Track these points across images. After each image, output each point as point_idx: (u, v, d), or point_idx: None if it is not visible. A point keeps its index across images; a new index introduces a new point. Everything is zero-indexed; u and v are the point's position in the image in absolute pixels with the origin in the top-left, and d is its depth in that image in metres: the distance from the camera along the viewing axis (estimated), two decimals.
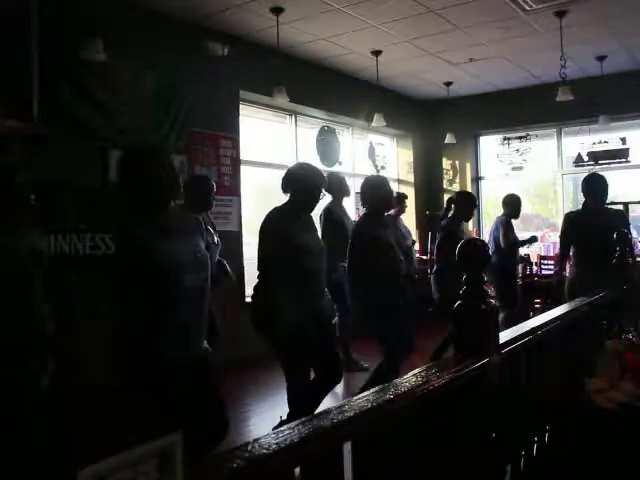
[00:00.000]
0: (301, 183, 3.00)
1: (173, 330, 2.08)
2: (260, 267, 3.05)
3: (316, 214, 4.01)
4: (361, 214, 3.92)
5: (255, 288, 3.07)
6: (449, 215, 4.72)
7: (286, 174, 3.09)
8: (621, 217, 4.25)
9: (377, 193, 3.73)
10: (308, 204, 3.07)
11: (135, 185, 2.15)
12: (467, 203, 4.68)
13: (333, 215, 5.00)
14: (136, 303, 2.06)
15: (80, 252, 4.23)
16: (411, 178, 8.68)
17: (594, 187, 4.10)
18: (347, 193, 5.29)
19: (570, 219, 4.27)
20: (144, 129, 4.78)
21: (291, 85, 5.55)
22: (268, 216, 3.05)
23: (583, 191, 4.18)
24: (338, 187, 5.11)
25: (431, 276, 4.70)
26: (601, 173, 4.46)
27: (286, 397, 3.07)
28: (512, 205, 5.49)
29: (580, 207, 4.38)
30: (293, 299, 2.86)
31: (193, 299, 2.13)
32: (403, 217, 6.20)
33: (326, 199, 5.05)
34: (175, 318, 2.07)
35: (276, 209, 3.07)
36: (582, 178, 4.29)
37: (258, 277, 3.08)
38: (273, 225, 2.98)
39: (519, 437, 1.98)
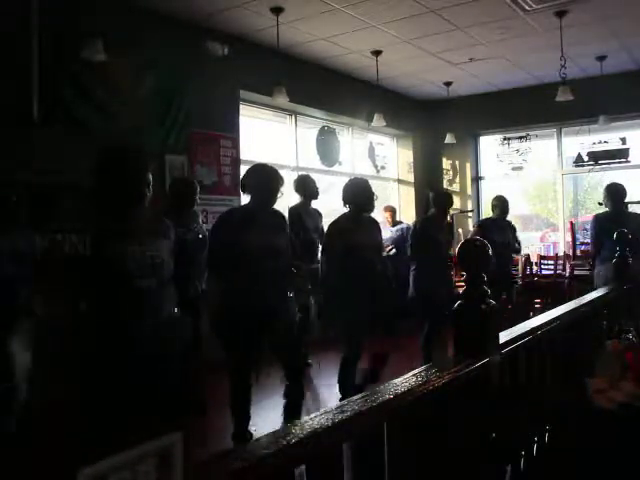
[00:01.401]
0: (261, 183, 3.06)
1: (131, 329, 2.18)
2: (209, 258, 3.21)
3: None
4: (340, 214, 3.94)
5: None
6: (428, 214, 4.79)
7: (245, 174, 3.17)
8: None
9: (358, 194, 3.80)
10: (266, 203, 3.12)
11: (101, 186, 2.23)
12: (441, 201, 4.75)
13: (293, 218, 4.98)
14: (96, 302, 2.16)
15: (80, 252, 4.22)
16: (411, 178, 8.67)
17: (614, 194, 4.73)
18: (315, 195, 5.29)
19: (599, 221, 4.82)
20: (144, 129, 4.78)
21: (291, 85, 5.55)
22: (226, 212, 3.25)
23: (608, 197, 4.78)
24: (306, 188, 5.14)
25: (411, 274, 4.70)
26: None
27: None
28: (500, 206, 5.63)
29: (601, 208, 4.99)
30: (234, 296, 2.96)
31: (148, 300, 2.23)
32: (404, 218, 6.18)
33: (294, 200, 5.19)
34: (132, 317, 2.18)
35: (235, 208, 3.17)
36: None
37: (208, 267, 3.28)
38: (225, 220, 3.12)
39: (519, 437, 1.98)
